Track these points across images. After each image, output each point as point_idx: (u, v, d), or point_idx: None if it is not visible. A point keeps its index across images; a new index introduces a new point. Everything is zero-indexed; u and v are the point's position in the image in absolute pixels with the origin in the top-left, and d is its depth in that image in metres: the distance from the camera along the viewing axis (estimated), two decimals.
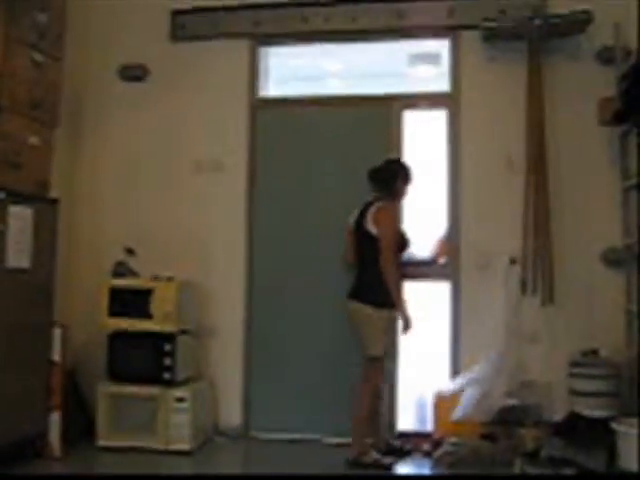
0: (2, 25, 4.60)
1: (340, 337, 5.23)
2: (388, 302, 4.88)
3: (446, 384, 5.33)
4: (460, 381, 5.18)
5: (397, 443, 5.23)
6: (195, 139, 5.84)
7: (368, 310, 4.89)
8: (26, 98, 4.81)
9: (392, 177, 5.14)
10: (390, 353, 5.20)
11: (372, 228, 4.97)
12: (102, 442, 5.19)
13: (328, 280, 5.48)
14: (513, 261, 5.29)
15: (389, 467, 4.87)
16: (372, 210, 5.01)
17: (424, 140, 5.71)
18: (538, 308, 5.23)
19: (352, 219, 5.12)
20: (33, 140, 4.89)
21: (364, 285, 4.98)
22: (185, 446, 5.13)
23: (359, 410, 4.94)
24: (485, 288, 5.37)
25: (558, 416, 4.93)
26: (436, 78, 5.71)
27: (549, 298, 5.20)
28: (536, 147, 5.27)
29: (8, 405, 4.57)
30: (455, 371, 5.38)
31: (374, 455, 4.89)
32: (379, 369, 4.96)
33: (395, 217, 5.11)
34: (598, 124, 5.19)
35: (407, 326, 4.92)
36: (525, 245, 5.25)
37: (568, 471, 3.98)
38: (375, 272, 4.89)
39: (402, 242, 5.12)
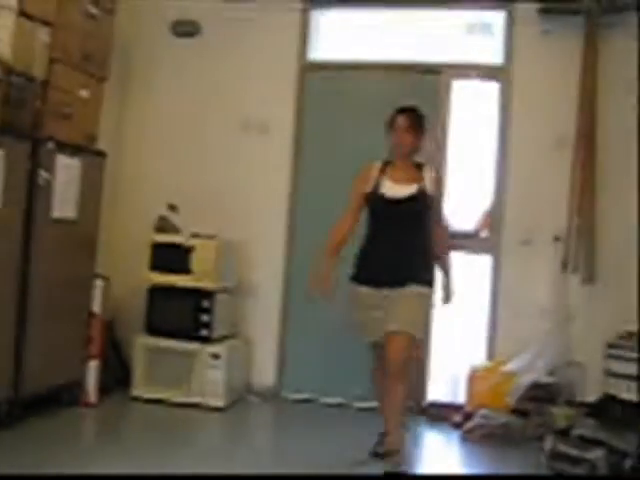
0: None
1: None
2: (354, 273, 4.38)
3: (482, 358, 5.37)
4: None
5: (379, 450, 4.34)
6: (243, 99, 5.83)
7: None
8: (78, 50, 4.83)
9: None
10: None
11: None
12: (136, 392, 5.29)
13: None
14: (557, 238, 5.25)
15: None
16: None
17: (472, 111, 5.65)
18: (578, 287, 5.20)
19: None
20: (83, 92, 4.91)
21: None
22: (218, 402, 5.20)
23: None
24: (526, 264, 5.37)
25: (591, 396, 4.92)
26: (489, 49, 5.62)
27: (589, 277, 5.16)
28: (586, 125, 5.19)
29: (48, 352, 4.65)
30: (491, 345, 5.40)
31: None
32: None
33: (366, 176, 4.28)
34: None
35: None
36: (569, 223, 5.20)
37: (598, 451, 3.98)
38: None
39: (377, 202, 4.28)
